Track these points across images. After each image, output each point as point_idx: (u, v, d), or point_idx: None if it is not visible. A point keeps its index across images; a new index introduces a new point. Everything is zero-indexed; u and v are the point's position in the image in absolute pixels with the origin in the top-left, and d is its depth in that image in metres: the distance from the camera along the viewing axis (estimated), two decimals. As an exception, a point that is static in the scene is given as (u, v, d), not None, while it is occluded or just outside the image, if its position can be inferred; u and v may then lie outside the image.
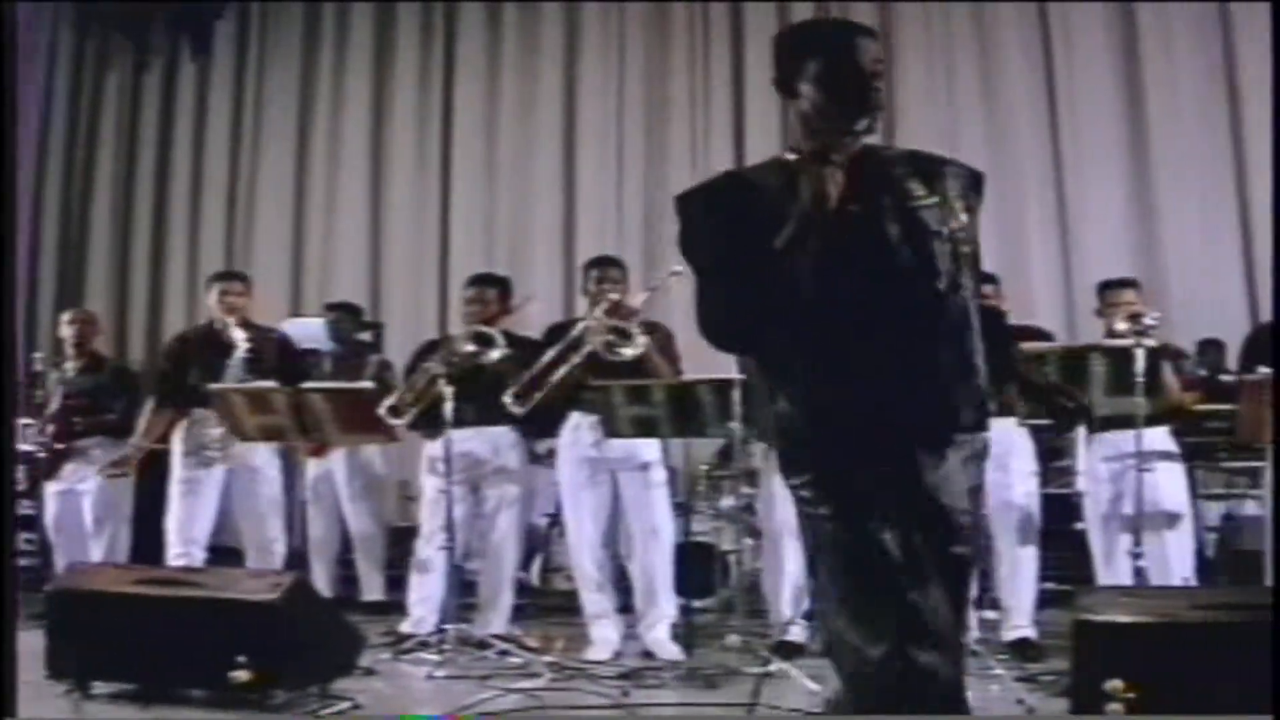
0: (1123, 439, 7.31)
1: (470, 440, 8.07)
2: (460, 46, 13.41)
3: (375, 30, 13.63)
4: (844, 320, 3.56)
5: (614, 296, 7.72)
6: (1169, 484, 7.69)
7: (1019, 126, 12.06)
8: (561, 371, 7.52)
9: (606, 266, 8.02)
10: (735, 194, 3.76)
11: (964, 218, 3.72)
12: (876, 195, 3.62)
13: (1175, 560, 7.62)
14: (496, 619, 8.20)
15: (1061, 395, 4.16)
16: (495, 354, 7.75)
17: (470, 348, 7.77)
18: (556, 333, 7.86)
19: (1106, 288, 8.01)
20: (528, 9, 13.26)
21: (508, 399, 7.55)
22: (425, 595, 8.27)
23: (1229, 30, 11.63)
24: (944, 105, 12.21)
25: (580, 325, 7.61)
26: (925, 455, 3.60)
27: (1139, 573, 6.97)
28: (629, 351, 7.45)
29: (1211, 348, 10.06)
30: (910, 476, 3.58)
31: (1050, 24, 12.06)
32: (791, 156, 3.67)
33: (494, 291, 8.36)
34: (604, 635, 7.95)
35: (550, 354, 7.58)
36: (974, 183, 3.85)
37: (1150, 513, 7.33)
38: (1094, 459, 7.90)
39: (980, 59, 12.26)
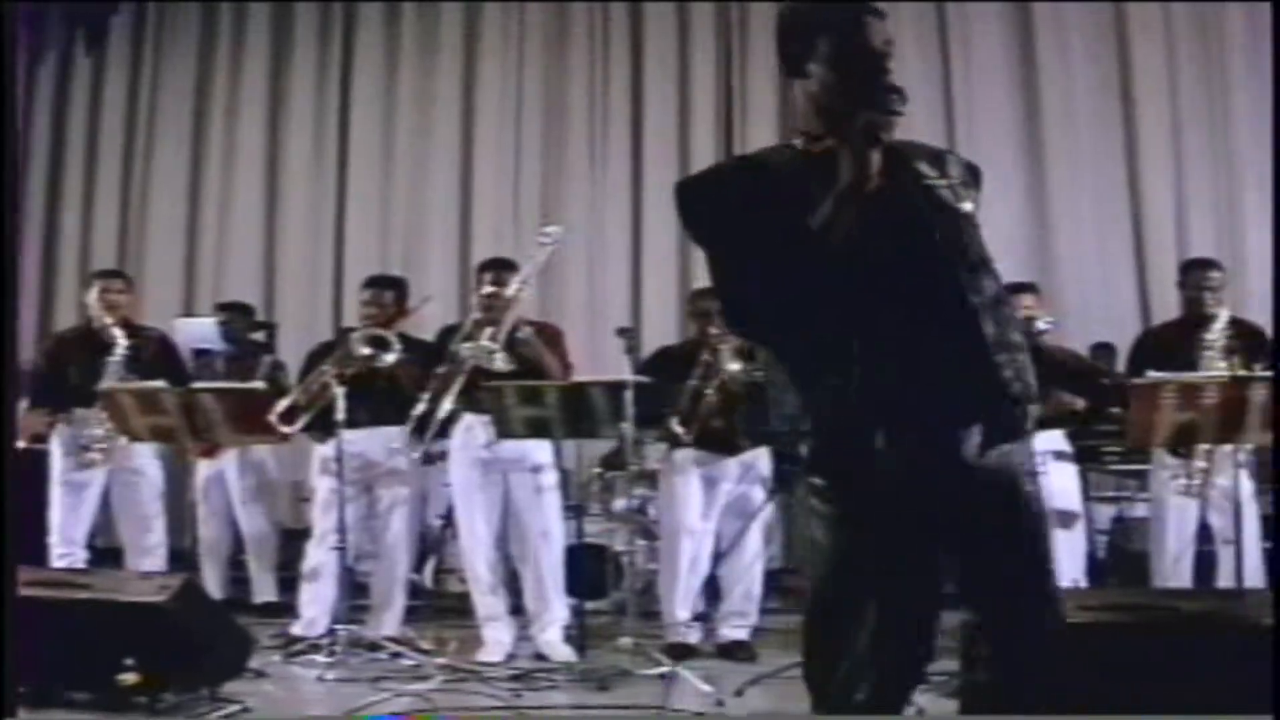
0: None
1: (362, 441, 8.03)
2: (358, 45, 13.28)
3: (272, 27, 13.49)
4: (886, 302, 3.46)
5: (487, 290, 7.71)
6: (1063, 485, 7.77)
7: (915, 133, 12.09)
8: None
9: (499, 269, 8.00)
10: (749, 176, 3.69)
11: (969, 206, 3.68)
12: (900, 176, 3.55)
13: (1067, 561, 7.67)
14: (389, 621, 8.18)
15: (1099, 375, 4.05)
16: (391, 357, 7.74)
17: (366, 351, 7.75)
18: (448, 335, 7.85)
19: (1007, 292, 8.06)
20: (427, 8, 13.17)
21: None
22: (316, 597, 8.21)
23: (1124, 35, 11.74)
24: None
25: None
26: (971, 442, 3.52)
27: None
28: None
29: (1104, 351, 10.15)
30: (955, 470, 3.51)
31: (948, 30, 12.11)
32: (798, 141, 3.67)
33: (390, 294, 8.35)
34: (496, 637, 7.93)
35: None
36: (974, 174, 3.83)
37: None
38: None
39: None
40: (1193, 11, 11.67)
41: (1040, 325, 7.22)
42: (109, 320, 8.50)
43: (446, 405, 7.42)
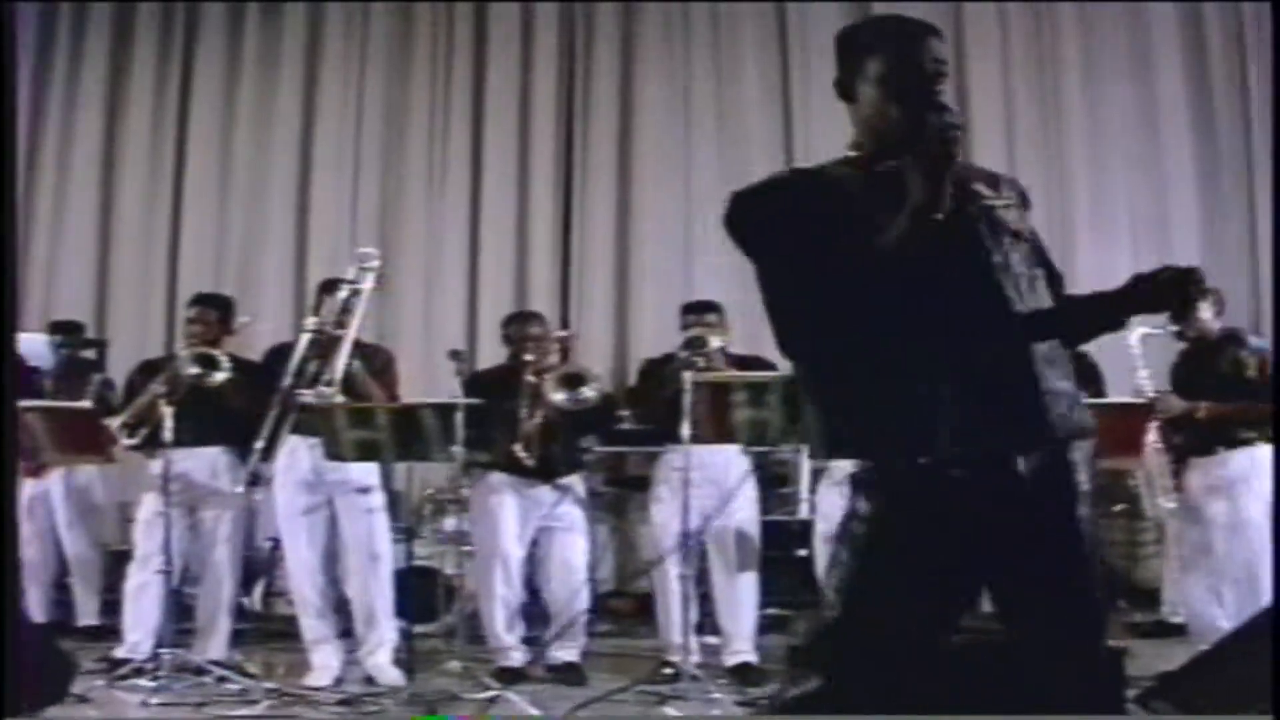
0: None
1: (187, 461, 7.94)
2: (198, 55, 13.14)
3: (111, 35, 13.30)
4: (949, 324, 3.44)
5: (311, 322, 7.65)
6: None
7: (753, 157, 12.20)
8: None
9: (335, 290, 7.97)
10: (811, 190, 3.65)
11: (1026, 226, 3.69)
12: (960, 197, 3.51)
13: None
14: (214, 644, 8.05)
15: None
16: (220, 376, 7.67)
17: (195, 370, 7.67)
18: (278, 355, 7.79)
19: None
20: (270, 18, 13.06)
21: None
22: (140, 620, 8.08)
23: (961, 45, 11.90)
24: (681, 146, 12.30)
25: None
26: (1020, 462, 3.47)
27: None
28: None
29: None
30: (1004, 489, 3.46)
31: (790, 52, 12.22)
32: (854, 153, 3.66)
33: (215, 313, 8.25)
34: (325, 661, 7.86)
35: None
36: (1024, 197, 3.81)
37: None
38: (825, 486, 8.04)
39: (717, 105, 12.37)
40: (1025, 31, 11.90)
41: None
42: None
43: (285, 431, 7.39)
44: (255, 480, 8.57)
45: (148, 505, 8.04)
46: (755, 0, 12.28)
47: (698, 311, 8.14)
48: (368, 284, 7.46)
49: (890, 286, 3.40)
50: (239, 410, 7.64)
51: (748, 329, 9.71)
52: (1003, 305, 3.51)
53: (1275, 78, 9.64)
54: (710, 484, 7.75)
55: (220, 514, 8.13)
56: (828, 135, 11.91)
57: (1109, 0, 11.76)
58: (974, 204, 3.59)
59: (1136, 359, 7.86)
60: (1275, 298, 8.96)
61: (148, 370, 8.21)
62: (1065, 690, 3.50)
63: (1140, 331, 7.75)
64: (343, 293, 7.51)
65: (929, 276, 3.39)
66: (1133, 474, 8.08)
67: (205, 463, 8.08)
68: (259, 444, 7.24)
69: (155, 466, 7.88)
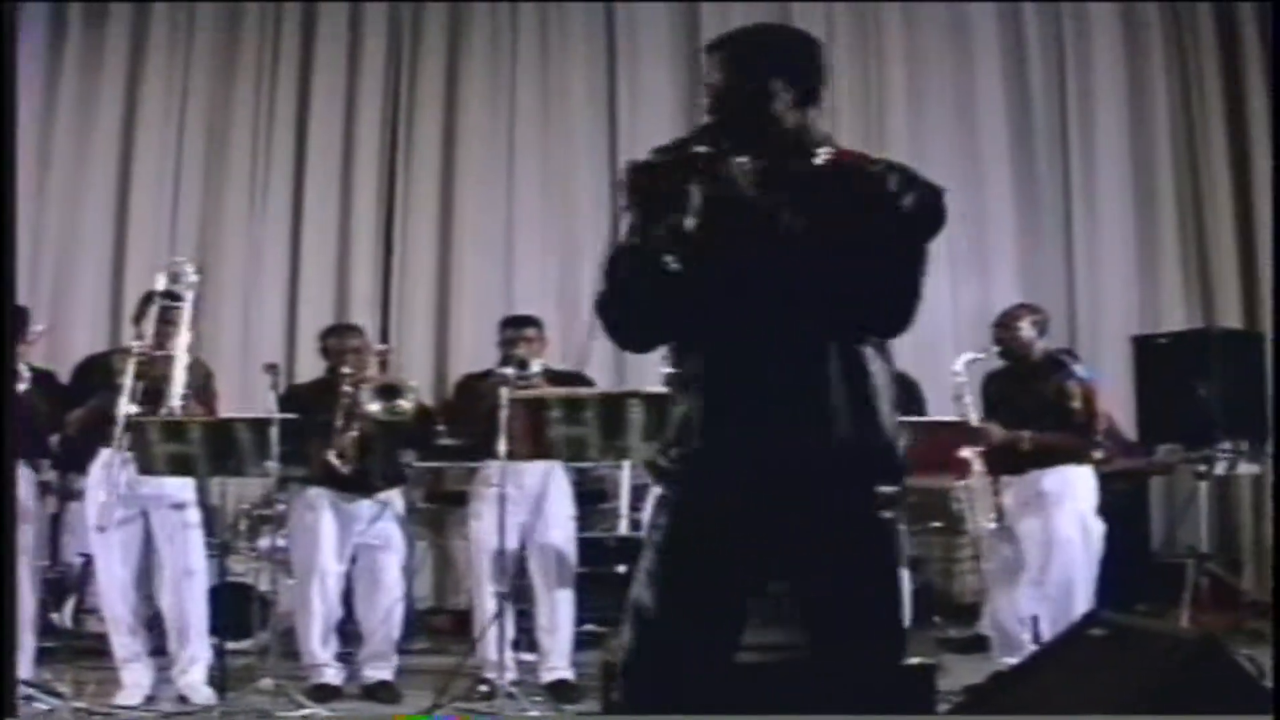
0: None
1: None
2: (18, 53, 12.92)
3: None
4: (749, 320, 3.46)
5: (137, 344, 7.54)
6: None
7: (578, 173, 12.21)
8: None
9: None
10: (646, 175, 3.56)
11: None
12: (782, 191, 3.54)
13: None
14: (19, 662, 7.88)
15: None
16: (22, 386, 7.51)
17: None
18: (90, 367, 7.69)
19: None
20: (94, 16, 12.82)
21: None
22: None
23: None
24: (504, 159, 12.28)
25: None
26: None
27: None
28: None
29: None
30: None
31: (618, 78, 12.25)
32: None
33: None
34: (135, 679, 7.72)
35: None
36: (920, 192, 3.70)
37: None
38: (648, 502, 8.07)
39: (543, 109, 12.38)
40: (852, 64, 12.01)
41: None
42: None
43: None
44: (68, 494, 8.45)
45: None
46: (583, 0, 12.31)
47: (516, 326, 8.13)
48: (188, 299, 7.37)
49: (692, 276, 3.42)
50: (38, 422, 7.51)
51: (566, 344, 9.79)
52: (805, 313, 3.47)
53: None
54: (527, 500, 7.75)
55: (19, 528, 7.92)
56: (654, 142, 12.06)
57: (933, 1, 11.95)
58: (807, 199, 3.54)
59: (963, 385, 7.98)
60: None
61: None
62: (870, 703, 3.52)
63: (966, 357, 7.87)
64: (160, 304, 7.42)
65: (728, 272, 3.45)
66: (953, 491, 8.14)
67: None
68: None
69: None
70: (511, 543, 7.64)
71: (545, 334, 8.18)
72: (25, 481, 7.85)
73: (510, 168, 12.10)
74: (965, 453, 7.71)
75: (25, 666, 7.81)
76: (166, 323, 7.45)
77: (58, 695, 7.54)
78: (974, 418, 7.85)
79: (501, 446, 7.14)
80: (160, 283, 7.52)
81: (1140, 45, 11.84)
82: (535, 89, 12.30)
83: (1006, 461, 7.79)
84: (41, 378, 7.71)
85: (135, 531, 7.73)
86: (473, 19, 12.45)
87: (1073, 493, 7.73)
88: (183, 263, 7.59)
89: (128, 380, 7.19)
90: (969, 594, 10.20)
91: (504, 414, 7.12)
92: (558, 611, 7.91)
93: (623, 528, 9.53)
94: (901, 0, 12.06)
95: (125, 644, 7.78)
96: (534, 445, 7.22)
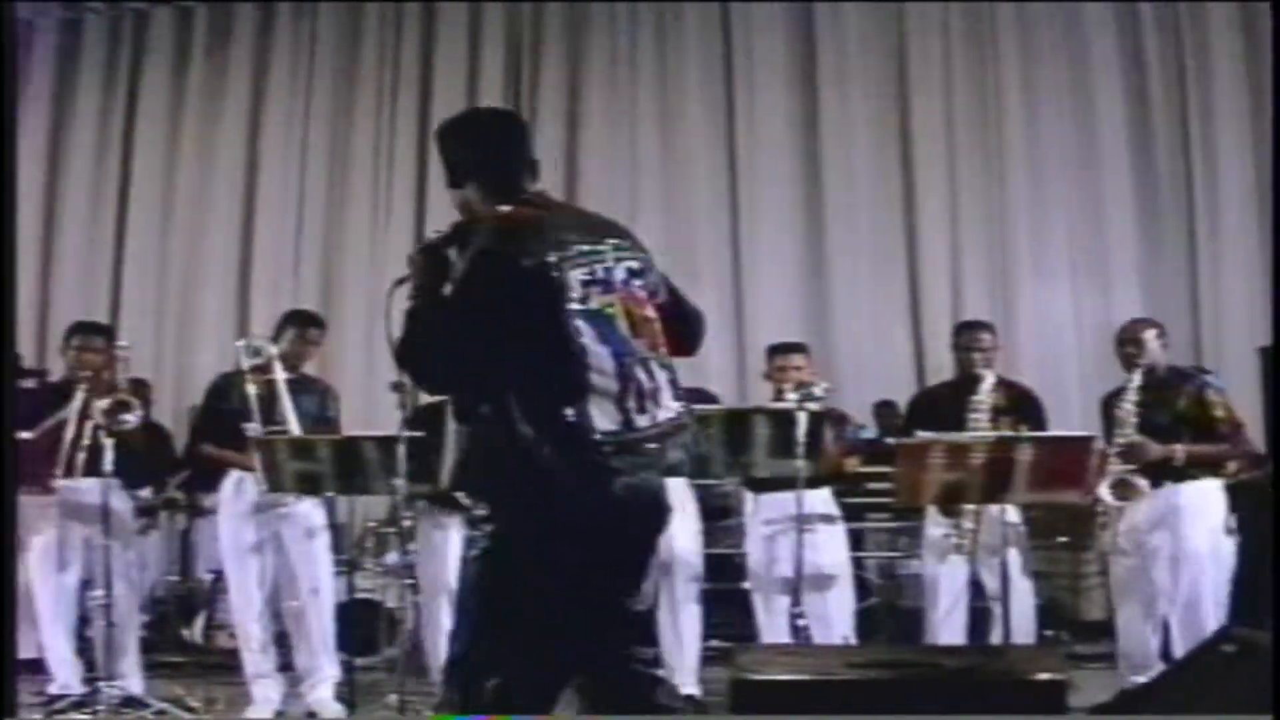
0: (785, 500, 7.45)
1: (89, 493, 7.81)
2: (143, 89, 13.16)
3: (56, 65, 13.32)
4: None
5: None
6: (829, 545, 7.86)
7: (697, 187, 12.22)
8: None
9: (305, 325, 8.06)
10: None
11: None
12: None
13: (836, 619, 7.81)
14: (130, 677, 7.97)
15: None
16: (131, 418, 7.60)
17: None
18: (223, 388, 7.82)
19: (775, 352, 8.16)
20: (215, 57, 13.06)
21: None
22: (65, 655, 8.04)
23: (905, 93, 11.96)
24: (626, 167, 12.31)
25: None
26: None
27: (798, 631, 7.14)
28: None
29: (886, 409, 10.33)
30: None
31: (735, 88, 12.26)
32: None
33: (100, 339, 8.27)
34: (265, 695, 7.81)
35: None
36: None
37: (811, 573, 7.51)
38: (755, 520, 8.04)
39: (662, 121, 12.39)
40: (969, 73, 11.93)
41: (816, 391, 7.28)
42: None
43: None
44: (199, 512, 8.54)
45: (44, 538, 7.94)
46: (699, 1, 12.31)
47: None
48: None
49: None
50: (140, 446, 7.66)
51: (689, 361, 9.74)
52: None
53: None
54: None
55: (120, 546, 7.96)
56: (772, 147, 12.08)
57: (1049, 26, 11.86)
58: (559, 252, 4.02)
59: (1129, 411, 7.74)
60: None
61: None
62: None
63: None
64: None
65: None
66: (1094, 506, 8.01)
67: (99, 494, 7.73)
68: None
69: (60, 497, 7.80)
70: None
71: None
72: (124, 500, 7.97)
73: (632, 180, 12.14)
74: (1117, 468, 7.56)
75: (136, 683, 7.90)
76: (307, 343, 7.63)
77: (190, 710, 7.63)
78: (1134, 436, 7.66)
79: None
80: (289, 303, 7.63)
81: (1261, 50, 11.68)
82: (654, 94, 12.36)
83: (1146, 476, 7.66)
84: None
85: (268, 549, 7.80)
86: (590, 29, 12.51)
87: (1205, 507, 7.59)
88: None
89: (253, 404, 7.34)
90: (1097, 610, 10.08)
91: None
92: (684, 627, 7.88)
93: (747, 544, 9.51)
94: (1017, 0, 11.96)
95: (255, 660, 7.84)
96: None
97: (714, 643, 8.37)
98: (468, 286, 4.01)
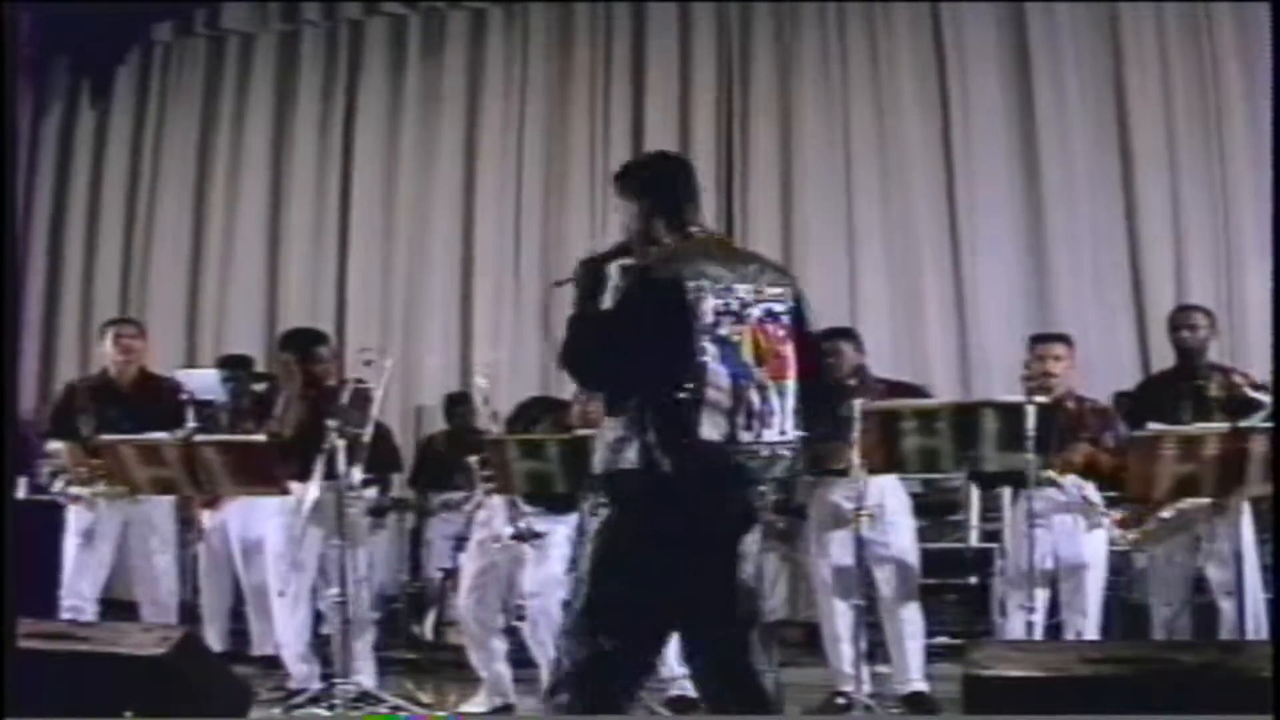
0: (1053, 493, 7.43)
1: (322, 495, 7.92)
2: (360, 98, 13.38)
3: (276, 79, 13.60)
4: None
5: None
6: (1092, 537, 7.74)
7: (913, 179, 12.14)
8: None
9: None
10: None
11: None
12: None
13: (1093, 613, 7.71)
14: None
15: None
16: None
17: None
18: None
19: (1036, 341, 8.05)
20: (430, 60, 13.25)
21: None
22: (302, 652, 8.18)
23: (1121, 84, 11.78)
24: (840, 162, 12.26)
25: None
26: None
27: (1031, 627, 7.08)
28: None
29: (1126, 400, 10.15)
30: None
31: (948, 81, 12.16)
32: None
33: (324, 349, 8.48)
34: (495, 689, 7.87)
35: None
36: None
37: (1073, 565, 7.53)
38: (1019, 513, 7.88)
39: (875, 116, 12.33)
40: (1189, 62, 11.69)
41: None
42: (122, 359, 8.58)
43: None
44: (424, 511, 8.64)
45: (282, 538, 8.11)
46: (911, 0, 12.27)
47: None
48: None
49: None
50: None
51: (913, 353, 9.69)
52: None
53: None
54: (874, 512, 7.64)
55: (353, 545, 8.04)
56: (987, 143, 11.96)
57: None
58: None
59: None
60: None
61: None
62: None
63: None
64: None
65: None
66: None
67: (332, 495, 7.83)
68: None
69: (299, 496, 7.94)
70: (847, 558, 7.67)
71: (860, 347, 8.13)
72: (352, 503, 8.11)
73: (848, 176, 12.11)
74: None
75: (370, 679, 8.02)
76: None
77: (424, 706, 7.74)
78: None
79: (855, 458, 7.12)
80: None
81: None
82: (866, 90, 12.30)
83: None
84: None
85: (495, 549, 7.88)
86: (800, 25, 12.48)
87: None
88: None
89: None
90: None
91: (856, 427, 7.09)
92: (904, 624, 7.84)
93: (974, 538, 9.44)
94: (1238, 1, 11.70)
95: (483, 658, 7.94)
96: (886, 457, 7.20)
97: (942, 639, 8.33)
98: (623, 299, 4.68)
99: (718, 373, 4.54)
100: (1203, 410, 7.41)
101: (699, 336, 4.54)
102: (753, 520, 4.78)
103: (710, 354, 4.54)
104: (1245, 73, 11.47)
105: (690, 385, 4.50)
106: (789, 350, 4.74)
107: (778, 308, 4.75)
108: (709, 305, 4.58)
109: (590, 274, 4.83)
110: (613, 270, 4.84)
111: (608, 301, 4.73)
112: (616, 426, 4.64)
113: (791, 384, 4.71)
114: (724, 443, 4.54)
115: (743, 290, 4.69)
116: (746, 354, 4.62)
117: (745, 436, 4.57)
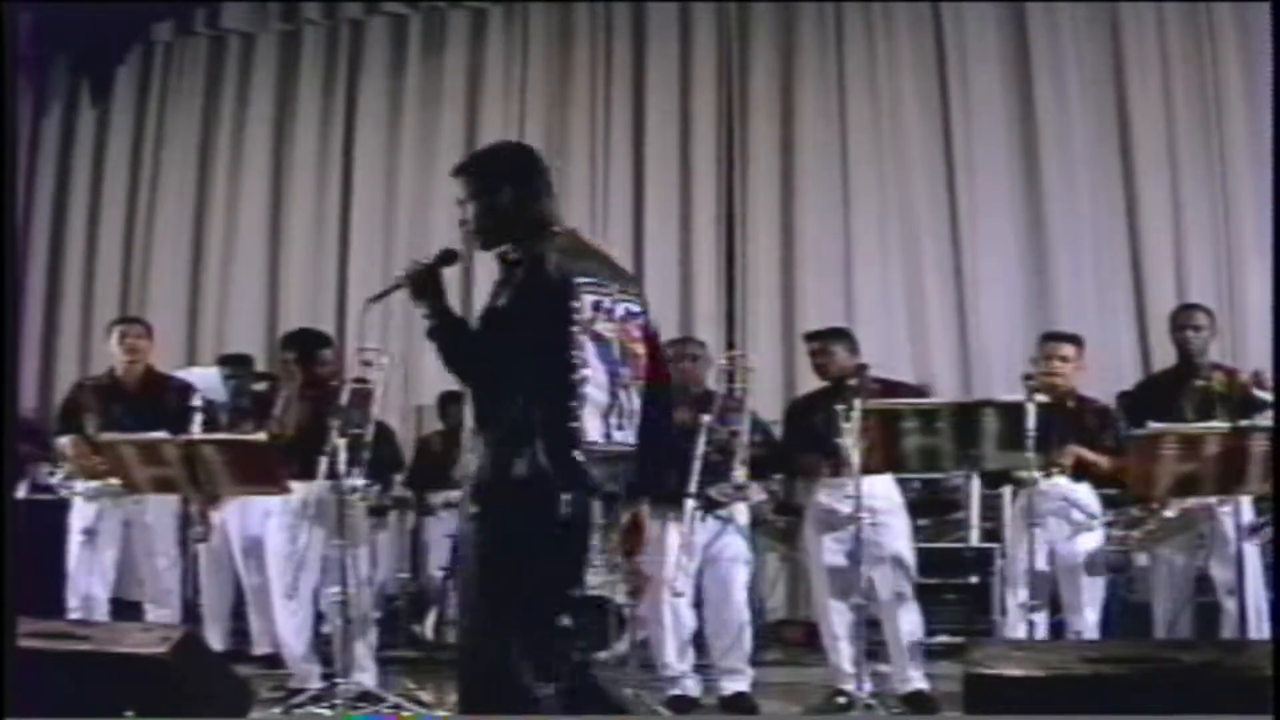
0: (1050, 493, 7.42)
1: (323, 494, 7.93)
2: (361, 98, 13.39)
3: (277, 78, 13.60)
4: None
5: None
6: (1085, 539, 7.76)
7: (913, 179, 12.13)
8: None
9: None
10: None
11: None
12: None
13: (1093, 612, 7.75)
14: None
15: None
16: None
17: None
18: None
19: (1046, 340, 8.06)
20: (430, 64, 13.27)
21: None
22: (303, 651, 8.18)
23: (1122, 82, 11.77)
24: (839, 160, 12.26)
25: None
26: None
27: (1030, 626, 7.08)
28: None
29: (1127, 399, 10.15)
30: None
31: (948, 80, 12.15)
32: None
33: (328, 352, 8.56)
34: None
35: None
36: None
37: (1070, 565, 7.56)
38: (1017, 513, 7.90)
39: (874, 115, 12.32)
40: (1190, 63, 11.69)
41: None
42: (128, 358, 8.58)
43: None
44: (424, 510, 8.61)
45: (283, 537, 8.12)
46: (911, 1, 12.26)
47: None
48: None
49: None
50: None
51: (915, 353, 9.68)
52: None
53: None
54: (866, 514, 7.63)
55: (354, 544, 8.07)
56: (989, 144, 11.95)
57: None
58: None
59: None
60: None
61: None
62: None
63: None
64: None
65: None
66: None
67: (333, 494, 7.84)
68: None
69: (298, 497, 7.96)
70: (842, 559, 7.71)
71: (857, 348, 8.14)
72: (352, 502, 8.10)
73: (848, 176, 12.11)
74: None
75: (371, 678, 8.03)
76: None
77: (424, 705, 7.74)
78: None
79: (854, 459, 7.12)
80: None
81: None
82: (866, 88, 12.30)
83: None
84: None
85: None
86: (799, 23, 12.48)
87: None
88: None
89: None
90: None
91: (855, 427, 7.09)
92: (903, 623, 7.84)
93: (974, 538, 9.44)
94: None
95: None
96: (887, 457, 7.20)
97: (942, 638, 8.33)
98: (520, 297, 4.62)
99: (598, 369, 4.53)
100: (1204, 409, 7.41)
101: (580, 333, 4.51)
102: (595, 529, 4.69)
103: (590, 350, 4.53)
104: (1245, 73, 11.47)
105: (576, 382, 4.48)
106: (643, 351, 4.74)
107: (635, 308, 4.75)
108: (588, 301, 4.56)
109: (428, 283, 4.88)
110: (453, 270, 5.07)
111: (471, 303, 4.76)
112: (498, 431, 4.56)
113: (642, 386, 4.71)
114: (601, 443, 4.52)
115: (612, 288, 4.67)
116: (617, 352, 4.62)
117: (618, 436, 4.58)
